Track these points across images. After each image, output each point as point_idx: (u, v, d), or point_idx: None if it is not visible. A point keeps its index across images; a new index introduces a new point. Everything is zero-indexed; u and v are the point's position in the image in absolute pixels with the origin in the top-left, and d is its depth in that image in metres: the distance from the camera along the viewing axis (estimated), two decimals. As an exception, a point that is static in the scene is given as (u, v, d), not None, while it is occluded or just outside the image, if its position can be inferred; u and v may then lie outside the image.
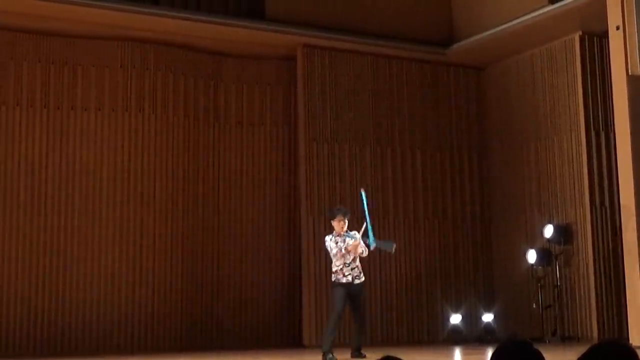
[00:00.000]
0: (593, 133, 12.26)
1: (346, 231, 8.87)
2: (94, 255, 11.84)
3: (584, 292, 12.05)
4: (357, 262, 8.89)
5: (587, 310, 11.96)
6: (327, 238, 9.02)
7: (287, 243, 13.05)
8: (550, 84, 12.87)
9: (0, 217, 11.48)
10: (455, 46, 13.46)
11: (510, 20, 12.44)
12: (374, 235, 8.95)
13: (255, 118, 13.22)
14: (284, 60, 13.29)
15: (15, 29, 11.76)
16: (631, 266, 10.26)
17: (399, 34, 13.26)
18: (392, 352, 3.56)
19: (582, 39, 12.39)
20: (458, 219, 13.68)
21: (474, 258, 13.67)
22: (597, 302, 11.83)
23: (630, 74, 10.33)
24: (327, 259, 12.17)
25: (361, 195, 9.15)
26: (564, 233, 12.30)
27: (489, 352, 9.10)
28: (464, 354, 10.76)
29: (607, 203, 12.11)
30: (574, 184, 12.38)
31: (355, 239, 8.75)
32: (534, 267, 12.59)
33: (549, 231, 12.37)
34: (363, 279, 8.98)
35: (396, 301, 12.94)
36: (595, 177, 12.18)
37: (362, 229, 8.86)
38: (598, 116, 12.29)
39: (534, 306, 12.50)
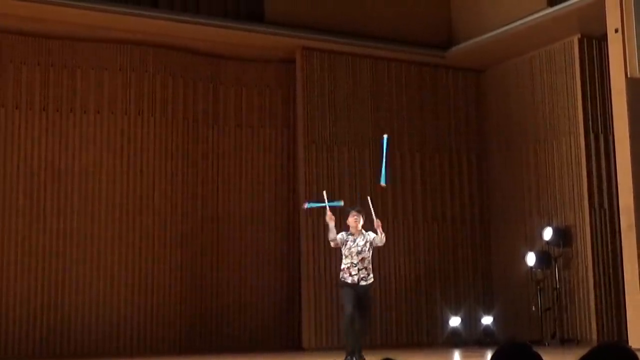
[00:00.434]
0: (592, 135, 12.27)
1: (360, 230, 8.72)
2: (93, 258, 11.84)
3: (583, 294, 12.04)
4: (366, 264, 8.57)
5: (587, 313, 11.96)
6: (341, 233, 8.75)
7: (286, 246, 13.05)
8: (550, 87, 12.88)
9: (-1, 219, 11.50)
10: (454, 49, 13.47)
11: (510, 23, 12.45)
12: (386, 178, 9.08)
13: (254, 121, 13.22)
14: (283, 63, 13.30)
15: (15, 32, 11.77)
16: (630, 269, 10.26)
17: (398, 36, 13.26)
18: (392, 355, 3.57)
19: (581, 42, 12.41)
20: (457, 221, 13.67)
21: (473, 260, 13.66)
22: (596, 305, 11.83)
23: (629, 76, 10.33)
24: (326, 262, 12.25)
25: (383, 140, 9.18)
26: (563, 235, 12.30)
27: (488, 355, 9.12)
28: (463, 357, 10.76)
29: (606, 205, 12.12)
30: (573, 186, 12.38)
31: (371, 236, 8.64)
32: (533, 269, 12.58)
33: (548, 234, 12.37)
34: (371, 280, 8.64)
35: (395, 303, 12.93)
36: (595, 179, 12.18)
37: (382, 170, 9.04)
38: (597, 119, 12.30)
39: (533, 309, 12.50)
